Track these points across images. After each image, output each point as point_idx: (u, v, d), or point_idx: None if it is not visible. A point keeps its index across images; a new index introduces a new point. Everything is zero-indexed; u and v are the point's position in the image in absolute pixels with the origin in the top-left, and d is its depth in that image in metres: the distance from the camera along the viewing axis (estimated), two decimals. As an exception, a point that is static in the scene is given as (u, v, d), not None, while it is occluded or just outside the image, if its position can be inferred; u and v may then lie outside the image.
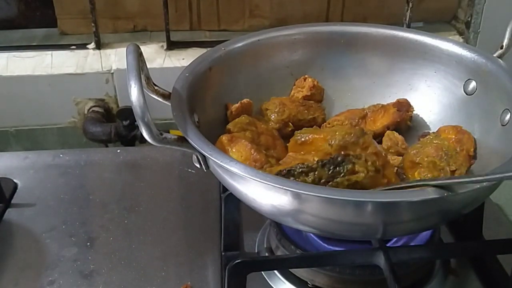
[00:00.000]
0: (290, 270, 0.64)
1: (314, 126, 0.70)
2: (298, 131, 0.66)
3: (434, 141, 0.62)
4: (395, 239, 0.63)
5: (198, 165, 0.57)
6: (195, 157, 0.56)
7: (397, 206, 0.51)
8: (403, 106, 0.70)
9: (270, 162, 0.61)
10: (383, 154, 0.60)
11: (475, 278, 0.65)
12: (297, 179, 0.54)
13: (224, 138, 0.61)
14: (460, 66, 0.69)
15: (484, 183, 0.49)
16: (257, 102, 0.71)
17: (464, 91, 0.68)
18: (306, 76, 0.74)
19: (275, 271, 0.64)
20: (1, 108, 0.98)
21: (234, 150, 0.59)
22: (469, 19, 1.05)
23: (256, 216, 0.61)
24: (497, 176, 0.49)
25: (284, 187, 0.50)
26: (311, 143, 0.63)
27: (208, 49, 0.70)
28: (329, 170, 0.55)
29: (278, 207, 0.53)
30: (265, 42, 0.73)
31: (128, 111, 0.95)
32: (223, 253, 0.67)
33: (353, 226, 0.54)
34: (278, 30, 0.74)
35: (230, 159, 0.52)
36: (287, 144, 0.67)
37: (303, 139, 0.64)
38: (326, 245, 0.63)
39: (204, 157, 0.55)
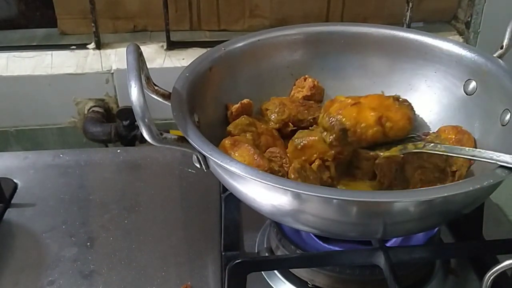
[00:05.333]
0: (290, 270, 0.64)
1: (314, 126, 0.70)
2: (295, 137, 0.65)
3: (435, 142, 0.62)
4: (395, 239, 0.63)
5: (198, 165, 0.57)
6: (195, 157, 0.56)
7: (397, 206, 0.51)
8: (403, 106, 0.70)
9: (273, 167, 0.61)
10: None
11: (475, 278, 0.65)
12: None
13: (227, 142, 0.61)
14: (460, 66, 0.69)
15: (484, 183, 0.49)
16: (257, 102, 0.71)
17: (464, 91, 0.68)
18: (306, 76, 0.73)
19: (275, 271, 0.64)
20: (1, 108, 0.98)
21: (237, 155, 0.59)
22: (469, 19, 1.05)
23: (256, 216, 0.61)
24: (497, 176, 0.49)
25: (284, 187, 0.50)
26: (312, 146, 0.63)
27: (208, 49, 0.70)
28: None
29: (278, 207, 0.53)
30: (265, 42, 0.73)
31: (128, 111, 0.95)
32: (223, 253, 0.67)
33: (353, 226, 0.54)
34: (278, 30, 0.74)
35: (230, 159, 0.52)
36: (288, 144, 0.67)
37: (302, 144, 0.64)
38: (326, 245, 0.63)
39: (204, 157, 0.55)
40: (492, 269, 0.51)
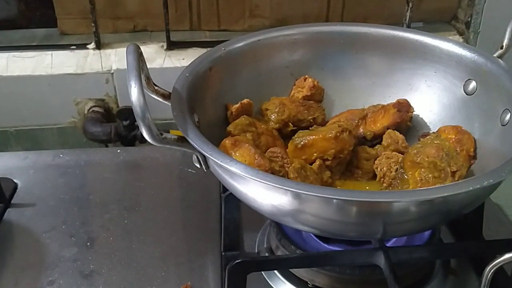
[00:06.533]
0: (290, 270, 0.64)
1: (314, 126, 0.70)
2: (296, 136, 0.65)
3: (435, 142, 0.62)
4: (395, 239, 0.63)
5: (198, 165, 0.57)
6: (195, 157, 0.56)
7: (397, 206, 0.51)
8: (403, 106, 0.70)
9: (274, 167, 0.61)
10: None
11: (475, 278, 0.65)
12: None
13: (228, 141, 0.61)
14: (460, 66, 0.69)
15: (484, 183, 0.49)
16: (257, 102, 0.71)
17: (464, 91, 0.68)
18: (306, 76, 0.73)
19: (275, 271, 0.64)
20: (1, 108, 0.98)
21: (237, 155, 0.59)
22: (469, 19, 1.05)
23: (256, 216, 0.61)
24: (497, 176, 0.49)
25: (284, 187, 0.50)
26: (312, 145, 0.63)
27: (208, 49, 0.70)
28: None
29: (278, 207, 0.53)
30: (265, 42, 0.73)
31: (128, 111, 0.95)
32: (223, 253, 0.67)
33: (353, 226, 0.54)
34: (278, 30, 0.74)
35: (230, 159, 0.52)
36: (289, 144, 0.67)
37: (303, 143, 0.64)
38: (326, 245, 0.63)
39: (204, 157, 0.55)
40: (492, 263, 0.51)
